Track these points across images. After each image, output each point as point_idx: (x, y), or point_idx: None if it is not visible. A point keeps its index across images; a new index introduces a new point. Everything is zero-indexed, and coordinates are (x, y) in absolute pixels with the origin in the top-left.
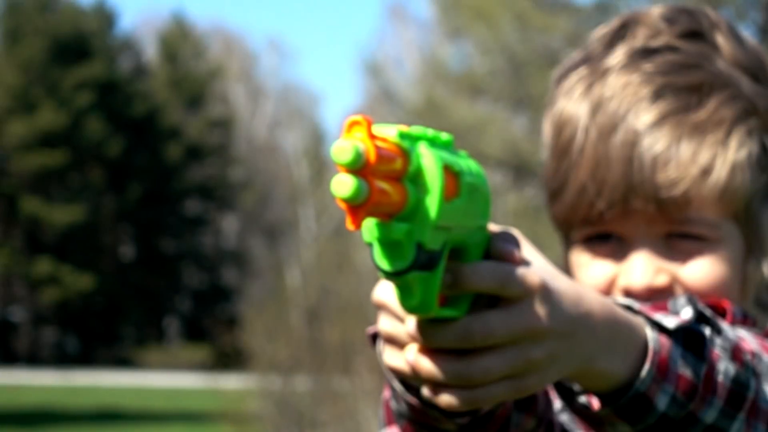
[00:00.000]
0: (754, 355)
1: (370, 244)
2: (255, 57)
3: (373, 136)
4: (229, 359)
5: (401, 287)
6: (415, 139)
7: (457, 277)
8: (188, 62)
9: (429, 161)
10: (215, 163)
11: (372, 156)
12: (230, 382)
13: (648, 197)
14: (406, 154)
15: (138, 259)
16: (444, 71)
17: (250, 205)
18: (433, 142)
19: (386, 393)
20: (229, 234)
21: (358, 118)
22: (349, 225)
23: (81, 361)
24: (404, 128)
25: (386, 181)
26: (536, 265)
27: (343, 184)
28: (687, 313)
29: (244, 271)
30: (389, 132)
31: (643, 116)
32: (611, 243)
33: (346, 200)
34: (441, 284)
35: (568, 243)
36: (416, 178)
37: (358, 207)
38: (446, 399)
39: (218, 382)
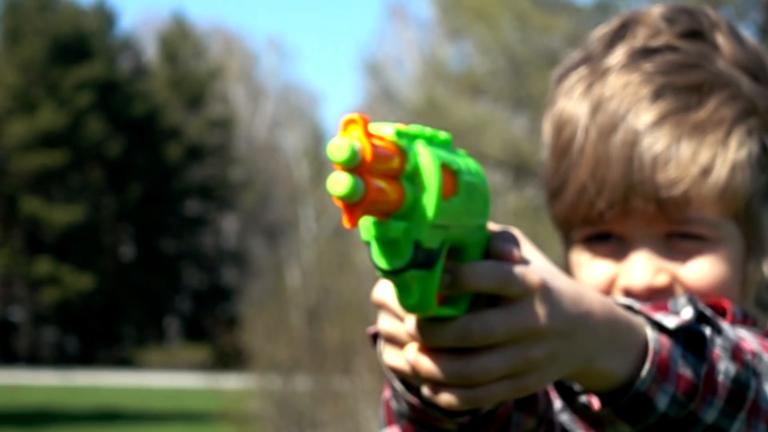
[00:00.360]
0: (754, 354)
1: (367, 243)
2: (255, 57)
3: (369, 135)
4: (229, 359)
5: (399, 286)
6: (412, 137)
7: (456, 277)
8: (188, 62)
9: (426, 159)
10: (215, 163)
11: (368, 154)
12: (230, 382)
13: (648, 197)
14: (403, 153)
15: (138, 259)
16: (444, 71)
17: (250, 205)
18: (431, 141)
19: (386, 393)
20: (229, 234)
21: (355, 116)
22: (346, 223)
23: (81, 361)
24: (401, 126)
25: (383, 180)
26: (536, 265)
27: (339, 182)
28: (687, 313)
29: (244, 271)
30: (386, 130)
31: (643, 116)
32: (611, 243)
33: (342, 198)
34: (440, 283)
35: (569, 243)
36: (413, 177)
37: (354, 205)
38: (446, 398)
39: (218, 382)
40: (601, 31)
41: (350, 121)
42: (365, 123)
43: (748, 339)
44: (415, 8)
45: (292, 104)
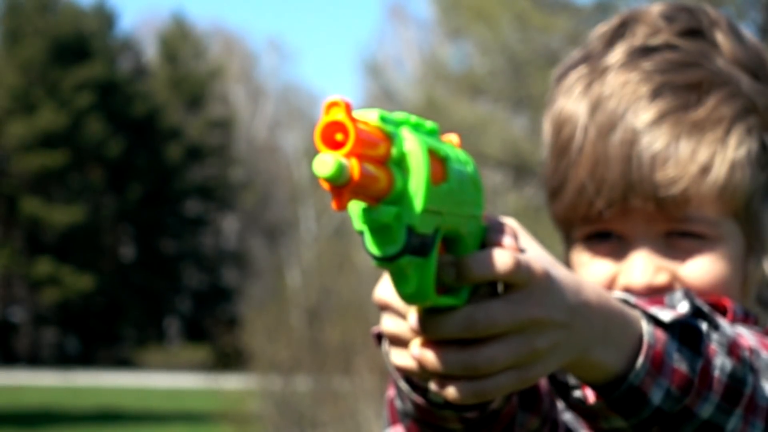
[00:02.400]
0: (752, 351)
1: (360, 232)
2: (255, 57)
3: (353, 119)
4: (229, 359)
5: (396, 274)
6: (397, 123)
7: (460, 269)
8: (188, 62)
9: (412, 144)
10: (215, 164)
11: (352, 136)
12: (230, 382)
13: (647, 196)
14: (388, 138)
15: (138, 259)
16: (444, 71)
17: (250, 205)
18: (417, 128)
19: (391, 392)
20: (229, 234)
21: (337, 99)
22: (333, 205)
23: (81, 361)
24: (385, 112)
25: (370, 164)
26: (536, 254)
27: (324, 164)
28: (683, 307)
29: (245, 271)
30: (370, 115)
31: (642, 115)
32: (611, 242)
33: (327, 180)
34: (438, 272)
35: (569, 242)
36: (401, 162)
37: (340, 187)
38: (453, 391)
39: (218, 383)
40: (601, 29)
41: (333, 104)
42: (348, 107)
43: (746, 335)
44: (415, 8)
45: (292, 104)
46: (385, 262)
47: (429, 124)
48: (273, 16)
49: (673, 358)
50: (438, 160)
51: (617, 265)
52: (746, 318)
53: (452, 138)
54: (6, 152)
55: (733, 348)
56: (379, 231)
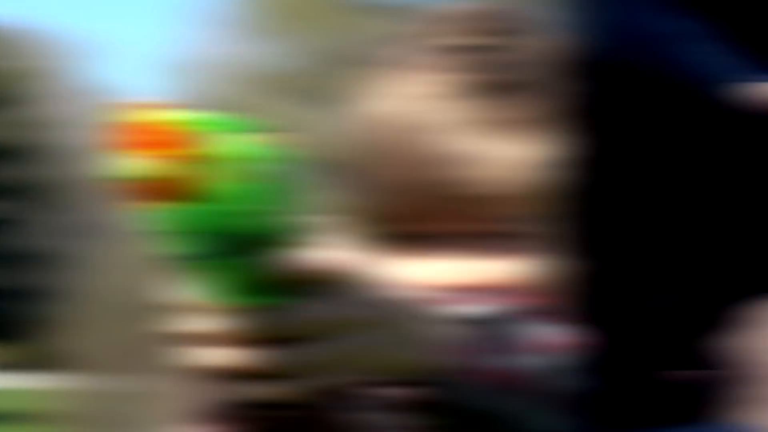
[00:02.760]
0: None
1: (165, 232)
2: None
3: (160, 119)
4: None
5: (204, 276)
6: (209, 124)
7: (275, 268)
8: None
9: (224, 144)
10: None
11: (161, 136)
12: None
13: (454, 196)
14: (199, 138)
15: None
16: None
17: None
18: (232, 128)
19: (201, 392)
20: None
21: (144, 99)
22: (134, 205)
23: None
24: (197, 112)
25: (180, 164)
26: (351, 254)
27: (132, 165)
28: (493, 306)
29: None
30: (180, 115)
31: (450, 114)
32: (425, 241)
33: (134, 180)
34: (252, 270)
35: (382, 241)
36: (213, 162)
37: (149, 187)
38: (269, 391)
39: None
40: (410, 28)
41: (140, 105)
42: (154, 107)
43: (548, 332)
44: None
45: None
46: (193, 262)
47: (247, 121)
48: None
49: (484, 356)
50: (251, 159)
51: (431, 266)
52: (551, 317)
53: (274, 136)
54: None
55: (536, 345)
56: (185, 231)
